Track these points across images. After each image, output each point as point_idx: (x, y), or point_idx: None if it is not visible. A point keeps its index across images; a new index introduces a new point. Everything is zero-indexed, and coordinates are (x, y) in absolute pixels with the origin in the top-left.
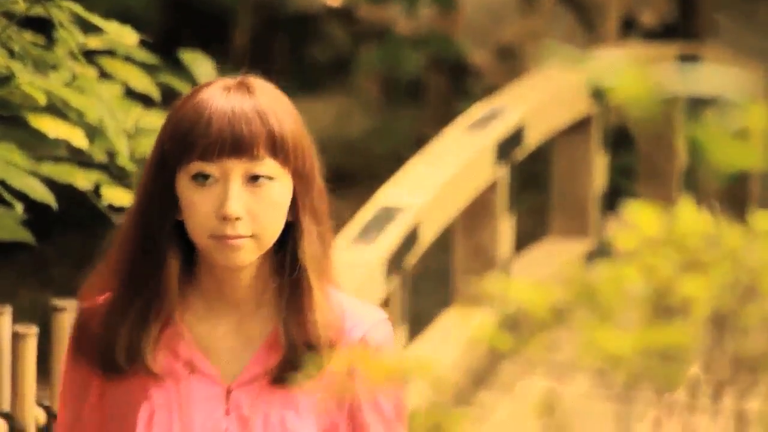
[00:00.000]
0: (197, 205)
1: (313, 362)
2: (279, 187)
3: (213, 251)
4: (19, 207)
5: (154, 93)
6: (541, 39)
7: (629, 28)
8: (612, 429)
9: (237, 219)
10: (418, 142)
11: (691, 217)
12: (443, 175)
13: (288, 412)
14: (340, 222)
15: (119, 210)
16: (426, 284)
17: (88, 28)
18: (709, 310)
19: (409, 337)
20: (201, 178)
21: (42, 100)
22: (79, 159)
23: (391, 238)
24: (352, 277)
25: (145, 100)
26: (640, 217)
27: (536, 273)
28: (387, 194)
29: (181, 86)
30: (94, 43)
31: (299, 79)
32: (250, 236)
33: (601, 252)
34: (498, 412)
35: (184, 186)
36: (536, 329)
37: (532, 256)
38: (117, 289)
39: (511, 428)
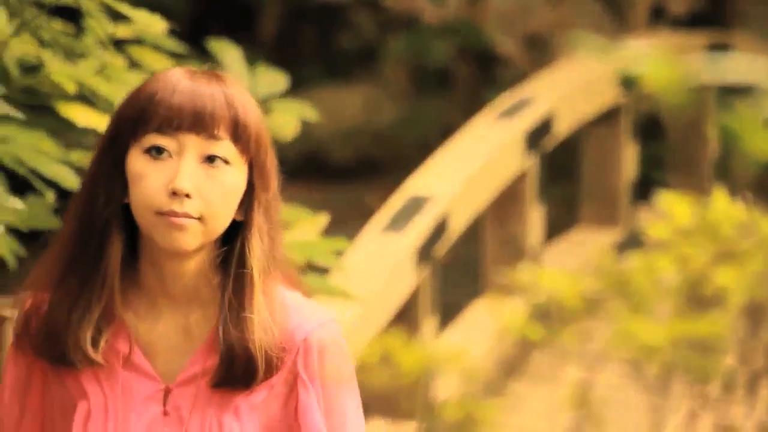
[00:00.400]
0: (147, 179)
1: (251, 365)
2: (234, 173)
3: (157, 230)
4: (50, 195)
5: None
6: (569, 28)
7: (658, 17)
8: (645, 420)
9: (186, 196)
10: (447, 131)
11: (724, 206)
12: (472, 164)
13: (226, 415)
14: (368, 211)
15: None
16: (456, 274)
17: (117, 17)
18: (743, 300)
19: (439, 327)
20: (155, 151)
21: (71, 88)
22: None
23: (420, 227)
24: (381, 267)
25: None
26: (672, 207)
27: (566, 263)
28: (416, 184)
29: None
30: (122, 32)
31: (327, 68)
32: (198, 218)
33: (632, 242)
34: (529, 403)
35: (136, 160)
36: (568, 319)
37: (562, 246)
38: (60, 279)
39: (542, 418)
